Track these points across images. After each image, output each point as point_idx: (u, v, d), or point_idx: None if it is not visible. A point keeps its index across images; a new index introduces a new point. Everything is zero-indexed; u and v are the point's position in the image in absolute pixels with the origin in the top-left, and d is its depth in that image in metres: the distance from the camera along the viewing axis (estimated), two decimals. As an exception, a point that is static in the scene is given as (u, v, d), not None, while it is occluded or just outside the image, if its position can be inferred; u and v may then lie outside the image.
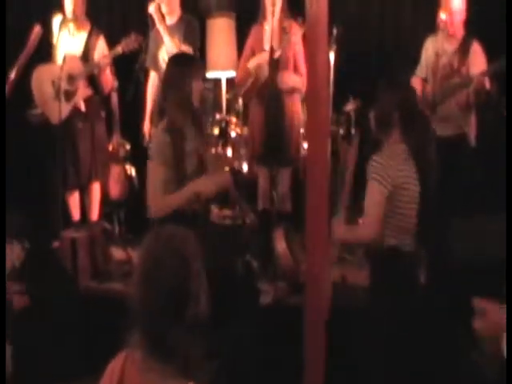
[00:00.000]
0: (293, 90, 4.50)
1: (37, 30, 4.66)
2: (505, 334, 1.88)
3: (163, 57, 4.60)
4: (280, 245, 3.96)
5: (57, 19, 4.81)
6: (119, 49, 4.59)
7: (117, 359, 1.76)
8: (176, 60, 3.42)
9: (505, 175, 2.52)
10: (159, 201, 3.08)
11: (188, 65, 3.26)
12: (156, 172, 3.10)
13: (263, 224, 4.10)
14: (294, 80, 4.46)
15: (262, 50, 4.53)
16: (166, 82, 3.27)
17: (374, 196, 2.79)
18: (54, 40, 4.80)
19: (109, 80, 4.76)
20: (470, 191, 4.31)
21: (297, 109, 4.57)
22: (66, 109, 4.62)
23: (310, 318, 2.78)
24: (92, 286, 4.04)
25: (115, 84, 4.77)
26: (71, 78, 4.62)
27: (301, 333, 2.63)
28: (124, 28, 4.86)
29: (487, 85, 4.14)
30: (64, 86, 4.58)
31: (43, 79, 4.67)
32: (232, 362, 2.48)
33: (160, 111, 3.36)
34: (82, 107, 4.75)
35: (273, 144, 4.44)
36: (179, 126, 3.16)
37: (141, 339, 1.69)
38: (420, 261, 2.91)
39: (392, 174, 2.79)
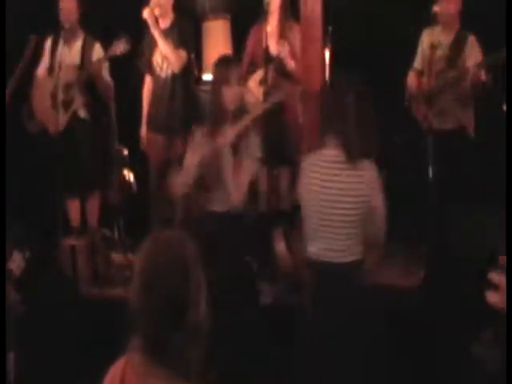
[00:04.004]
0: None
1: (32, 41, 4.66)
2: None
3: (157, 61, 4.60)
4: (279, 245, 3.95)
5: (51, 29, 4.80)
6: (110, 52, 4.57)
7: (117, 364, 1.75)
8: None
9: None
10: None
11: None
12: None
13: (263, 224, 4.09)
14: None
15: (261, 49, 4.53)
16: None
17: None
18: (50, 50, 4.79)
19: (107, 86, 4.75)
20: (471, 184, 4.29)
21: (296, 107, 4.56)
22: (64, 118, 4.62)
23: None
24: (93, 292, 4.04)
25: (113, 90, 4.77)
26: (68, 87, 4.61)
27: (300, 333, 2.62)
28: (119, 34, 4.84)
29: (483, 76, 4.12)
30: (61, 95, 4.58)
31: (41, 90, 4.67)
32: (232, 363, 2.48)
33: None
34: (81, 114, 4.74)
35: (273, 143, 4.43)
36: None
37: (141, 344, 1.68)
38: None
39: None
